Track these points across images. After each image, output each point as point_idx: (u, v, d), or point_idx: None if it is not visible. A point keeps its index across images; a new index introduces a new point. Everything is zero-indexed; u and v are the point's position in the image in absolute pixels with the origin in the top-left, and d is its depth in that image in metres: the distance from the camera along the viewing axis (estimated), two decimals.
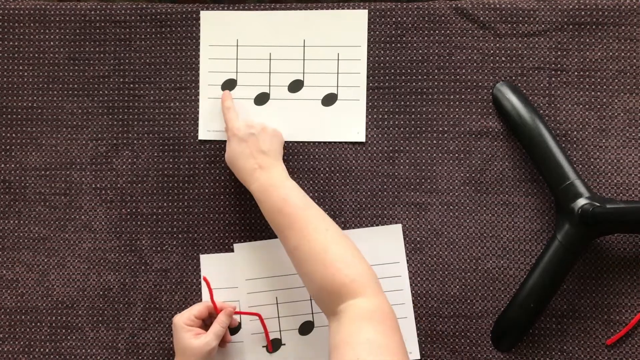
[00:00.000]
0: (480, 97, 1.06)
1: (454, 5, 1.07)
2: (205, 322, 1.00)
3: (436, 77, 1.07)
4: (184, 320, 0.97)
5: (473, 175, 1.06)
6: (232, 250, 1.06)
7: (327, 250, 0.89)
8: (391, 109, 1.07)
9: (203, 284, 1.05)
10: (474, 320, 1.04)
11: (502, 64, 1.06)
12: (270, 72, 1.08)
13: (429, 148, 1.06)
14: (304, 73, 1.07)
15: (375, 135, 1.07)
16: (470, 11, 1.06)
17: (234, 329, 1.04)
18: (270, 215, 0.95)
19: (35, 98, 1.08)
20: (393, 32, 1.07)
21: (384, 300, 0.87)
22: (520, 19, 1.06)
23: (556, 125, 1.05)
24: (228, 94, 1.05)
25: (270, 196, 0.95)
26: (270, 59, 1.08)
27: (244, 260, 1.06)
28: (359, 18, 1.07)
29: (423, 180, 1.06)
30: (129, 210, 1.07)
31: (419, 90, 1.07)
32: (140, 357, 1.06)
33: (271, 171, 0.97)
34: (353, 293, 0.86)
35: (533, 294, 1.00)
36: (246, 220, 1.07)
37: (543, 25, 1.06)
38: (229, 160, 1.00)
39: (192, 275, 1.06)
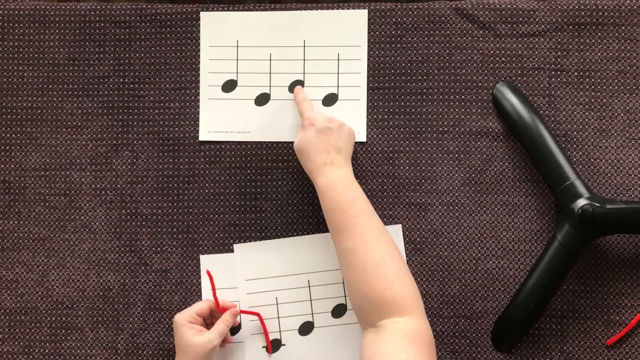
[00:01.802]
0: (480, 97, 1.06)
1: (454, 5, 1.07)
2: (206, 321, 1.00)
3: (436, 77, 1.07)
4: (185, 317, 0.96)
5: (473, 175, 1.06)
6: (232, 251, 1.06)
7: (383, 262, 0.88)
8: (391, 109, 1.07)
9: (205, 279, 1.05)
10: (474, 321, 1.04)
11: (502, 64, 1.06)
12: (270, 73, 1.08)
13: (429, 148, 1.06)
14: (304, 73, 1.07)
15: (375, 135, 1.07)
16: (470, 11, 1.06)
17: (234, 329, 1.04)
18: (332, 213, 0.94)
19: (35, 98, 1.08)
20: (393, 32, 1.07)
21: (427, 324, 0.87)
22: (520, 19, 1.06)
23: (556, 126, 1.05)
24: (300, 88, 1.05)
25: (336, 194, 0.94)
26: (270, 60, 1.08)
27: (244, 261, 1.05)
28: (359, 18, 1.07)
29: (423, 181, 1.06)
30: (128, 210, 1.07)
31: (419, 90, 1.07)
32: (140, 358, 1.05)
33: (341, 169, 0.96)
34: (400, 311, 0.86)
35: (533, 294, 1.00)
36: (246, 220, 1.06)
37: (543, 26, 1.06)
38: (301, 148, 0.97)
39: (192, 276, 1.06)
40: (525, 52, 1.06)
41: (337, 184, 0.94)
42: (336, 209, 0.93)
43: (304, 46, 1.07)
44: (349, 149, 0.98)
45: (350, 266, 0.90)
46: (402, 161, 1.06)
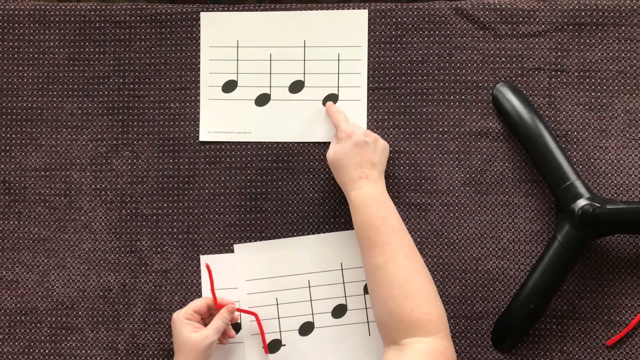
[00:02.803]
0: (480, 97, 1.06)
1: (454, 5, 1.07)
2: (204, 319, 1.00)
3: (436, 77, 1.07)
4: (182, 315, 0.97)
5: (473, 175, 1.06)
6: (232, 251, 1.06)
7: (412, 281, 0.88)
8: (391, 110, 1.07)
9: (204, 273, 1.04)
10: (474, 321, 1.04)
11: (502, 65, 1.06)
12: (270, 73, 1.08)
13: (429, 148, 1.06)
14: (304, 74, 1.07)
15: None
16: (471, 12, 1.06)
17: (235, 328, 1.04)
18: (364, 228, 0.93)
19: (35, 98, 1.08)
20: (393, 32, 1.07)
21: (451, 346, 0.88)
22: (521, 19, 1.06)
23: (556, 126, 1.05)
24: (331, 103, 1.06)
25: (369, 209, 0.93)
26: (270, 60, 1.08)
27: (244, 261, 1.05)
28: (359, 18, 1.07)
29: (423, 181, 1.06)
30: (129, 211, 1.07)
31: (419, 90, 1.07)
32: (140, 358, 1.05)
33: (376, 184, 0.95)
34: (426, 331, 0.86)
35: (533, 294, 1.00)
36: (246, 220, 1.06)
37: (543, 26, 1.06)
38: (335, 160, 0.97)
39: (192, 276, 1.06)
40: (525, 52, 1.06)
41: (371, 199, 0.94)
42: (369, 224, 0.93)
43: (304, 46, 1.07)
44: (383, 163, 0.99)
45: (378, 282, 0.90)
46: (402, 161, 1.06)
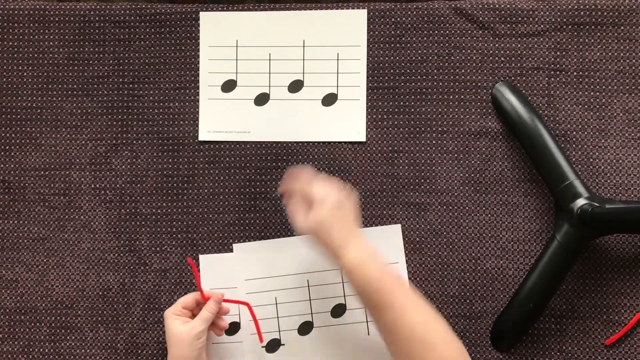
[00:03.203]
0: (479, 97, 1.06)
1: (453, 5, 1.07)
2: (195, 314, 1.00)
3: (435, 77, 1.07)
4: (171, 311, 0.97)
5: (472, 175, 1.06)
6: (232, 251, 1.06)
7: (427, 331, 0.86)
8: (391, 109, 1.07)
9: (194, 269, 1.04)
10: (473, 321, 1.04)
11: (502, 64, 1.06)
12: (270, 73, 1.08)
13: (429, 148, 1.06)
14: (303, 73, 1.07)
15: (375, 135, 1.07)
16: (470, 11, 1.06)
17: (234, 328, 1.04)
18: (365, 292, 0.89)
19: (35, 98, 1.08)
20: (392, 32, 1.07)
21: None
22: (520, 19, 1.06)
23: (555, 125, 1.05)
24: (292, 172, 1.00)
25: (366, 272, 0.89)
26: (270, 60, 1.08)
27: (243, 261, 1.06)
28: (358, 18, 1.07)
29: (422, 181, 1.06)
30: (128, 210, 1.07)
31: (419, 90, 1.07)
32: (139, 358, 1.05)
33: (360, 244, 0.91)
34: None
35: (532, 294, 1.00)
36: (245, 220, 1.07)
37: (542, 26, 1.06)
38: (318, 228, 0.91)
39: (191, 276, 1.06)
40: (524, 52, 1.06)
41: (364, 260, 0.90)
42: (369, 287, 0.89)
43: (304, 46, 1.08)
44: (359, 219, 0.95)
45: (396, 341, 0.87)
46: (401, 161, 1.06)
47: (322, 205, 0.91)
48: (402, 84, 1.07)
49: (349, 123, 1.07)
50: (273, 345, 1.05)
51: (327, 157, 1.07)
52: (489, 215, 1.05)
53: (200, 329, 0.95)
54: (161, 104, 1.08)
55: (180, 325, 0.95)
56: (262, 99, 1.08)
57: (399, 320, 0.86)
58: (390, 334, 0.87)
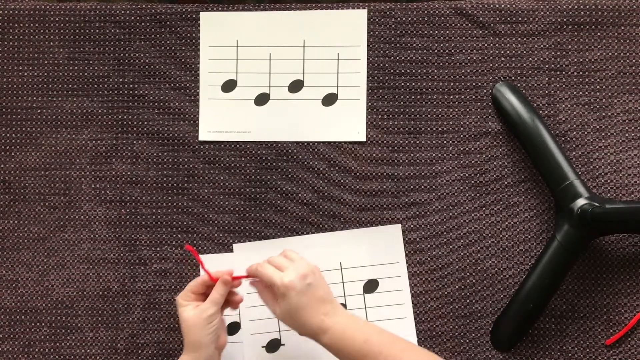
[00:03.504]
0: (479, 97, 1.06)
1: (453, 5, 1.07)
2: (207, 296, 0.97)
3: (436, 77, 1.07)
4: (181, 297, 0.95)
5: (472, 175, 1.06)
6: (232, 251, 1.06)
7: None
8: (391, 109, 1.07)
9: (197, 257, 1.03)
10: (473, 320, 1.04)
11: (502, 64, 1.06)
12: (270, 73, 1.08)
13: (429, 148, 1.06)
14: (304, 73, 1.07)
15: (375, 135, 1.07)
16: (470, 11, 1.06)
17: (234, 328, 1.04)
18: None
19: (35, 98, 1.08)
20: (393, 32, 1.07)
21: None
22: (520, 19, 1.06)
23: (555, 125, 1.05)
24: (252, 266, 0.96)
25: (348, 342, 0.88)
26: (270, 60, 1.08)
27: (244, 261, 1.05)
28: (358, 18, 1.07)
29: (423, 180, 1.06)
30: (128, 210, 1.07)
31: (419, 90, 1.07)
32: (139, 357, 1.05)
33: (338, 315, 0.90)
34: None
35: (532, 294, 1.00)
36: (246, 220, 1.07)
37: (542, 26, 1.06)
38: (288, 318, 0.91)
39: (191, 275, 1.06)
40: (524, 52, 1.06)
41: (345, 331, 0.89)
42: (355, 356, 0.88)
43: (304, 46, 1.08)
44: (329, 290, 0.93)
45: None
46: (401, 161, 1.06)
47: (288, 297, 0.89)
48: (402, 84, 1.07)
49: (349, 123, 1.07)
50: (273, 345, 1.05)
51: (327, 157, 1.07)
52: (489, 215, 1.05)
53: (210, 311, 0.93)
54: (161, 104, 1.08)
55: (190, 310, 0.93)
56: (262, 99, 1.08)
57: None
58: None
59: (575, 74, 1.06)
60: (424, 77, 1.07)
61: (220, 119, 1.07)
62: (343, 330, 0.89)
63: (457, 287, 1.05)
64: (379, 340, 0.88)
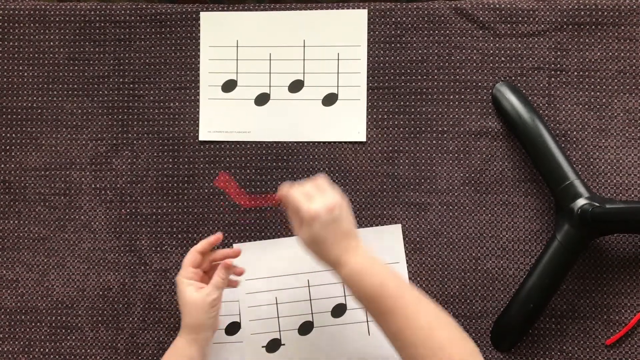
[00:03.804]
0: (480, 97, 1.06)
1: (453, 5, 1.07)
2: (204, 270, 0.99)
3: (436, 77, 1.07)
4: (183, 275, 0.95)
5: (473, 175, 1.06)
6: None
7: (433, 335, 0.83)
8: (391, 109, 1.07)
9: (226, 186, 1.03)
10: (473, 320, 1.04)
11: (502, 64, 1.06)
12: (270, 73, 1.08)
13: (429, 148, 1.06)
14: (304, 73, 1.07)
15: (375, 135, 1.07)
16: (470, 11, 1.06)
17: (234, 328, 1.04)
18: (366, 301, 0.88)
19: (35, 98, 1.08)
20: (393, 32, 1.07)
21: None
22: (520, 19, 1.06)
23: (556, 125, 1.05)
24: (283, 189, 0.95)
25: (365, 281, 0.88)
26: (270, 60, 1.08)
27: (244, 261, 1.05)
28: (358, 18, 1.07)
29: (423, 180, 1.06)
30: (128, 210, 1.07)
31: (419, 90, 1.07)
32: (139, 357, 1.06)
33: (358, 253, 0.90)
34: None
35: (533, 294, 1.00)
36: (246, 220, 1.07)
37: (543, 25, 1.06)
38: (309, 246, 0.91)
39: None
40: (524, 52, 1.06)
41: (362, 271, 0.89)
42: (369, 296, 0.88)
43: (304, 46, 1.08)
44: (354, 224, 0.93)
45: (403, 346, 0.85)
46: (402, 161, 1.06)
47: (312, 225, 0.89)
48: (403, 83, 1.07)
49: (349, 123, 1.07)
50: (273, 345, 1.05)
51: (327, 157, 1.07)
52: (490, 215, 1.05)
53: (214, 296, 0.94)
54: (161, 104, 1.08)
55: (194, 292, 0.94)
56: (262, 99, 1.08)
57: (403, 326, 0.85)
58: (397, 341, 0.86)
59: (576, 74, 1.06)
60: (424, 77, 1.07)
61: (220, 119, 1.07)
62: (361, 268, 0.89)
63: (457, 287, 1.05)
64: (395, 285, 0.88)
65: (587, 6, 1.05)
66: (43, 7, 1.09)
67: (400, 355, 0.87)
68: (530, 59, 1.06)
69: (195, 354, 0.94)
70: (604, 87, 1.05)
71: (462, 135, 1.06)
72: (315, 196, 0.92)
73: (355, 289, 0.89)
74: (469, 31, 1.07)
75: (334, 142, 1.07)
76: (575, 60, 1.06)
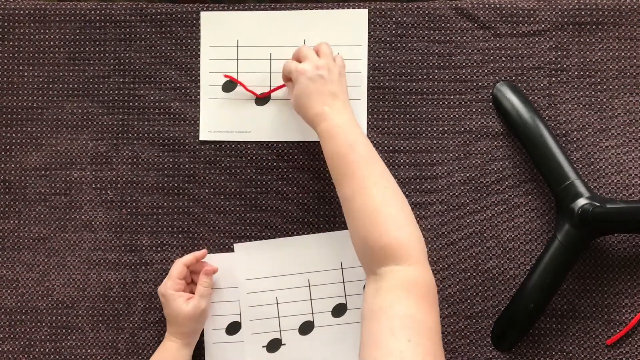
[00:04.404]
0: (480, 97, 1.06)
1: (454, 5, 1.07)
2: (187, 281, 1.02)
3: (436, 77, 1.07)
4: (169, 287, 0.99)
5: (473, 175, 1.06)
6: (232, 250, 1.06)
7: (380, 208, 0.85)
8: (391, 109, 1.07)
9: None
10: (474, 320, 1.04)
11: (502, 64, 1.06)
12: (271, 73, 1.08)
13: (429, 148, 1.06)
14: None
15: (375, 135, 1.07)
16: (470, 11, 1.06)
17: (234, 328, 1.04)
18: (332, 159, 0.91)
19: (35, 98, 1.08)
20: (393, 31, 1.07)
21: (427, 273, 0.83)
22: (521, 18, 1.06)
23: (556, 125, 1.05)
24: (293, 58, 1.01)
25: (336, 139, 0.91)
26: (270, 59, 1.08)
27: (244, 260, 1.06)
28: (359, 18, 1.07)
29: (423, 180, 1.06)
30: (129, 210, 1.07)
31: (419, 90, 1.07)
32: (140, 357, 1.06)
33: (341, 114, 0.93)
34: (397, 258, 0.82)
35: (533, 293, 1.00)
36: (246, 220, 1.07)
37: (543, 25, 1.06)
38: (296, 102, 0.96)
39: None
40: (525, 52, 1.06)
41: (337, 128, 0.91)
42: (336, 154, 0.90)
43: None
44: (344, 91, 0.96)
45: (350, 213, 0.88)
46: (402, 161, 1.06)
47: (299, 81, 0.94)
48: (403, 83, 1.07)
49: None
50: (274, 345, 1.05)
51: None
52: (490, 215, 1.05)
53: (203, 306, 0.99)
54: (162, 103, 1.08)
55: (183, 305, 0.98)
56: (262, 99, 1.08)
57: (356, 195, 0.86)
58: (347, 209, 0.88)
59: (576, 73, 1.06)
60: (425, 77, 1.07)
61: (220, 119, 1.07)
62: (338, 125, 0.91)
63: (457, 286, 1.05)
64: (364, 151, 0.90)
65: (588, 6, 1.05)
66: (43, 6, 1.08)
67: (348, 224, 0.89)
68: (531, 58, 1.06)
69: (187, 356, 1.00)
70: (605, 87, 1.05)
71: (462, 135, 1.06)
72: (309, 57, 0.96)
73: (327, 145, 0.92)
74: (470, 31, 1.07)
75: None
76: (576, 60, 1.06)
